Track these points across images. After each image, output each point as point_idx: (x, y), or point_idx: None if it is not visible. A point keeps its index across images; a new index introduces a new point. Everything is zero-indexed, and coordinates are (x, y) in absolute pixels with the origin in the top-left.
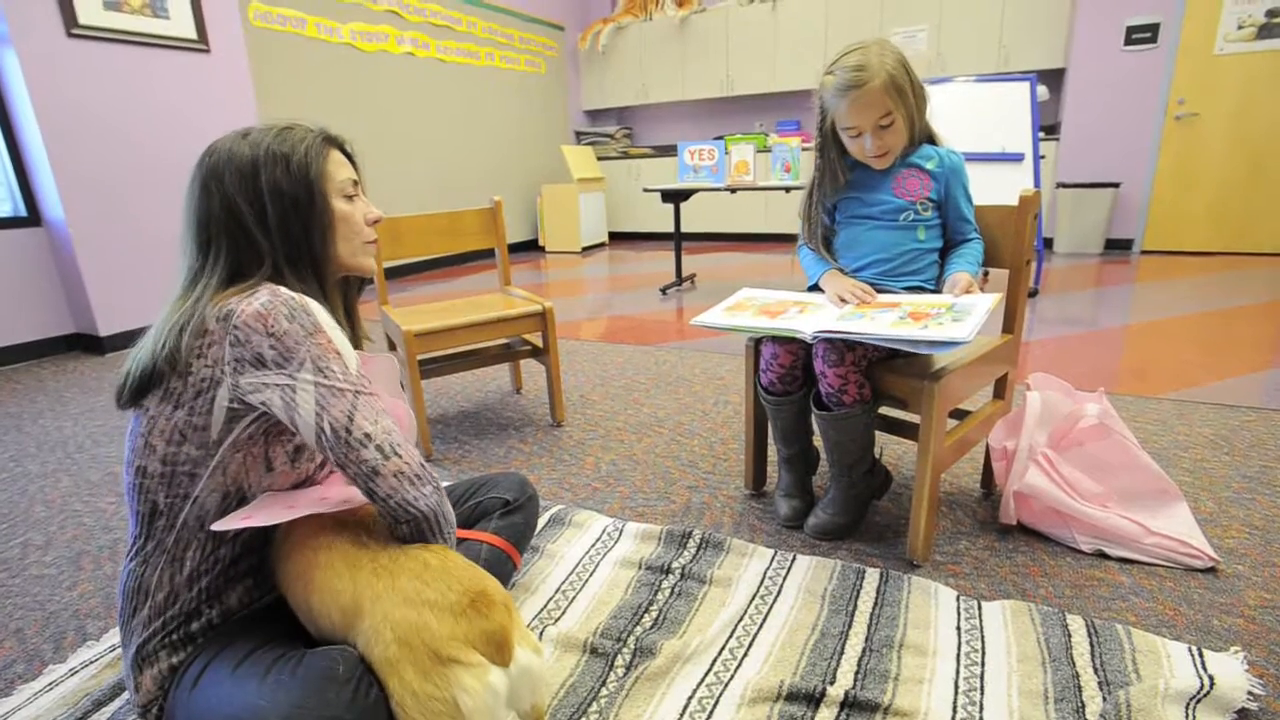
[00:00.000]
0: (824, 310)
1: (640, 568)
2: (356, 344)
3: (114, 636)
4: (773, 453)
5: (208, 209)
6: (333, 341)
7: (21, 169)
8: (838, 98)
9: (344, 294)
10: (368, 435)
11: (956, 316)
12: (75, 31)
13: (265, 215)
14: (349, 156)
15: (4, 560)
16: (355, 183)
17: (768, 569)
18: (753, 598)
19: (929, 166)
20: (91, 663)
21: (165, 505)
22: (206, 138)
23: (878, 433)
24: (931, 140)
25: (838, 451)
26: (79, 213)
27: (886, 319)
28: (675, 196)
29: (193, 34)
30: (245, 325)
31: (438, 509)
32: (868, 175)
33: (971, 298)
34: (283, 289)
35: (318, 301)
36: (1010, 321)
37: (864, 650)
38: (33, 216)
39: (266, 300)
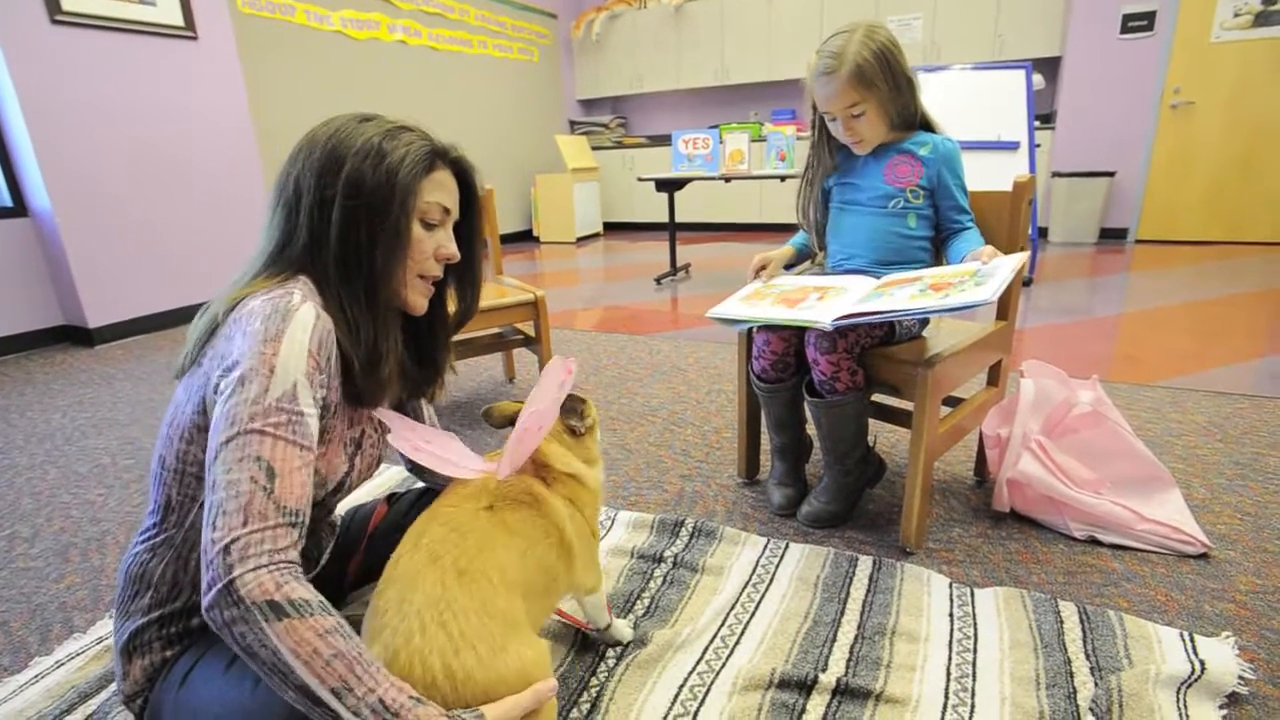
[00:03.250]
0: (844, 295)
1: (632, 556)
2: (427, 390)
3: (100, 629)
4: (766, 441)
5: (286, 173)
6: (278, 355)
7: (6, 159)
8: (813, 81)
9: (416, 330)
10: (214, 483)
11: (979, 281)
12: (59, 18)
13: (329, 205)
14: (465, 182)
15: None
16: (445, 210)
17: (760, 557)
18: (745, 586)
19: (921, 153)
20: (78, 655)
21: (177, 502)
22: (196, 127)
23: (871, 420)
24: (928, 127)
25: (831, 439)
26: (66, 203)
27: (906, 294)
28: (670, 186)
29: (180, 21)
30: (235, 321)
31: (231, 629)
32: (861, 161)
33: (995, 261)
34: (296, 293)
35: (366, 321)
36: (1004, 308)
37: (856, 638)
38: (19, 207)
39: (267, 298)
